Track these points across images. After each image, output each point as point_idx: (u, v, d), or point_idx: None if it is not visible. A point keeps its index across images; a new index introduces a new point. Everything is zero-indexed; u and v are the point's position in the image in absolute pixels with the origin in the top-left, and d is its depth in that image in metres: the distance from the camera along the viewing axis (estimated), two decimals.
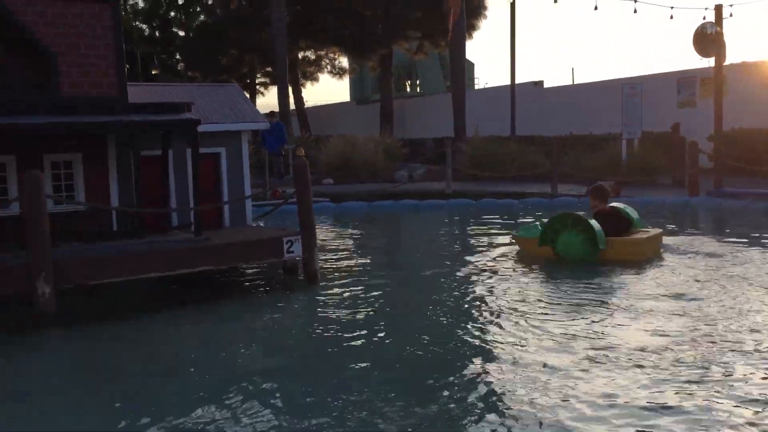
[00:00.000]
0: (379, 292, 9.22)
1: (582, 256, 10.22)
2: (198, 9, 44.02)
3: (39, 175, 7.86)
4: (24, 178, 7.91)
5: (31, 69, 9.06)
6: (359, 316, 8.01)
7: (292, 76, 35.58)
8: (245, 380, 5.89)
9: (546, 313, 7.67)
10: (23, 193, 7.95)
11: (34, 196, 7.77)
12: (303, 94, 40.73)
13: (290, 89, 32.83)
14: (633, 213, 10.97)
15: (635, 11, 23.52)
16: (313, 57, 41.57)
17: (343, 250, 12.47)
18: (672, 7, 21.86)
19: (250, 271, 10.73)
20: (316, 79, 43.21)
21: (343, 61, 42.84)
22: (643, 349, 6.29)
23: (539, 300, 8.28)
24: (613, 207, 10.99)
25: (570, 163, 21.66)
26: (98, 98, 9.32)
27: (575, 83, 37.18)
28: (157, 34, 45.42)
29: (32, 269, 7.69)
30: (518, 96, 29.29)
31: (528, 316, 7.58)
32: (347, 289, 9.32)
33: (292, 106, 34.73)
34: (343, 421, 4.99)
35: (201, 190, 9.89)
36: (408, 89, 51.95)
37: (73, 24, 9.20)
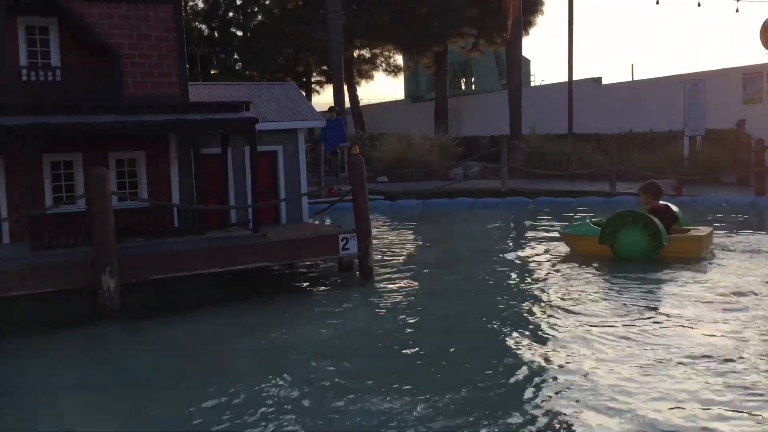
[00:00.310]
0: (433, 290, 9.23)
1: (644, 253, 10.05)
2: (256, 9, 44.71)
3: (105, 172, 8.12)
4: (90, 176, 8.19)
5: (97, 69, 9.36)
6: (412, 313, 8.03)
7: (347, 74, 35.82)
8: (298, 374, 5.97)
9: (599, 313, 7.53)
10: (89, 190, 8.23)
11: (99, 193, 8.03)
12: (357, 92, 41.01)
13: (345, 87, 33.06)
14: (677, 210, 10.82)
15: (699, 5, 22.87)
16: (368, 55, 41.76)
17: (397, 248, 12.51)
18: (738, 0, 21.17)
19: (306, 267, 10.86)
20: (370, 77, 43.45)
21: (398, 59, 42.92)
22: (699, 350, 6.12)
23: (592, 299, 8.14)
24: (665, 204, 10.81)
25: (629, 161, 21.21)
26: (161, 97, 9.57)
27: (635, 79, 36.38)
28: (215, 34, 46.32)
29: (98, 264, 7.95)
30: (576, 93, 28.81)
31: (582, 316, 7.46)
32: (401, 286, 9.36)
33: (347, 104, 34.96)
34: (393, 415, 5.02)
35: (258, 188, 10.06)
36: (463, 87, 51.67)
37: (137, 25, 9.47)
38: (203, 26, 46.29)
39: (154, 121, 9.05)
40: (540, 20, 40.83)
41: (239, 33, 45.59)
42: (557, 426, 4.84)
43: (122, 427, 5.14)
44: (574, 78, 29.41)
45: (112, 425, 5.17)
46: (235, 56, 46.26)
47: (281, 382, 5.78)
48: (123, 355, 7.13)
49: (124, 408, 5.49)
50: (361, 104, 41.59)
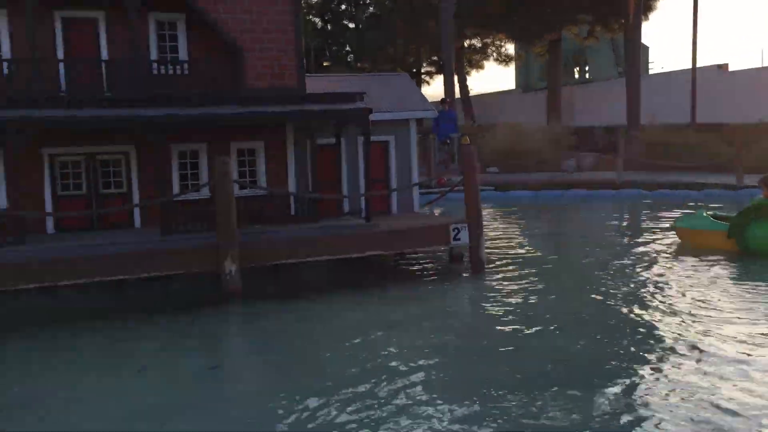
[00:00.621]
0: (544, 283, 9.06)
1: None
2: (368, 1, 45.19)
3: (228, 161, 8.49)
4: (214, 164, 8.59)
5: (221, 62, 9.78)
6: (523, 306, 7.91)
7: (457, 65, 35.58)
8: (406, 363, 6.03)
9: (719, 312, 7.16)
10: (213, 178, 8.64)
11: (222, 181, 8.41)
12: (468, 83, 40.68)
13: (455, 78, 32.87)
14: None
15: None
16: (479, 45, 41.31)
17: (508, 239, 12.37)
18: None
19: (417, 257, 10.93)
20: (481, 67, 42.95)
21: (510, 48, 42.24)
22: None
23: (712, 298, 7.74)
24: None
25: (758, 152, 19.92)
26: (279, 89, 9.89)
27: (765, 65, 34.11)
28: (328, 27, 47.20)
29: (221, 249, 8.34)
30: (699, 80, 27.32)
31: (699, 314, 7.12)
32: (512, 278, 9.25)
33: (458, 94, 34.76)
34: (493, 412, 4.98)
35: (370, 177, 10.20)
36: (576, 75, 50.21)
37: (258, 20, 9.81)
38: (317, 19, 47.28)
39: (273, 112, 9.37)
40: (660, 4, 38.94)
41: (351, 25, 46.27)
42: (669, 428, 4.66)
43: (241, 402, 5.38)
44: (698, 64, 27.92)
45: (232, 401, 5.43)
46: (347, 48, 46.99)
47: (388, 369, 5.86)
48: (243, 336, 7.46)
49: (245, 385, 5.75)
50: (470, 94, 41.26)
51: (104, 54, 9.62)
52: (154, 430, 4.94)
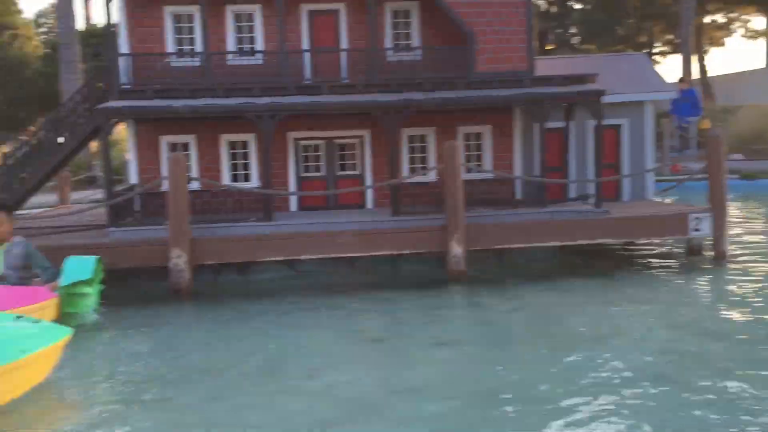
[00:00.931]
0: None
1: None
2: None
3: (456, 145, 8.61)
4: (443, 148, 8.75)
5: (452, 48, 9.90)
6: None
7: (695, 43, 32.83)
8: (649, 361, 5.71)
9: None
10: (442, 162, 8.80)
11: (450, 165, 8.54)
12: (706, 62, 37.43)
13: (696, 57, 30.37)
14: None
15: None
16: (722, 20, 37.78)
17: (755, 233, 11.22)
18: None
19: (650, 247, 10.31)
20: (721, 44, 39.26)
21: (759, 23, 38.13)
22: None
23: None
24: None
25: None
26: (509, 73, 9.80)
27: None
28: (551, 9, 45.89)
29: (448, 231, 8.50)
30: None
31: None
32: (758, 274, 8.37)
33: (695, 74, 32.08)
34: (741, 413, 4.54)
35: (601, 162, 9.78)
36: None
37: (489, 3, 9.79)
38: (541, 1, 46.18)
39: (502, 95, 9.32)
40: None
41: (578, 6, 44.56)
42: None
43: (463, 377, 5.46)
44: None
45: (456, 375, 5.52)
46: (571, 30, 45.37)
47: (625, 362, 5.60)
48: (467, 315, 7.54)
49: (469, 360, 5.83)
50: (708, 74, 37.94)
51: (343, 43, 10.18)
52: (379, 396, 5.17)
